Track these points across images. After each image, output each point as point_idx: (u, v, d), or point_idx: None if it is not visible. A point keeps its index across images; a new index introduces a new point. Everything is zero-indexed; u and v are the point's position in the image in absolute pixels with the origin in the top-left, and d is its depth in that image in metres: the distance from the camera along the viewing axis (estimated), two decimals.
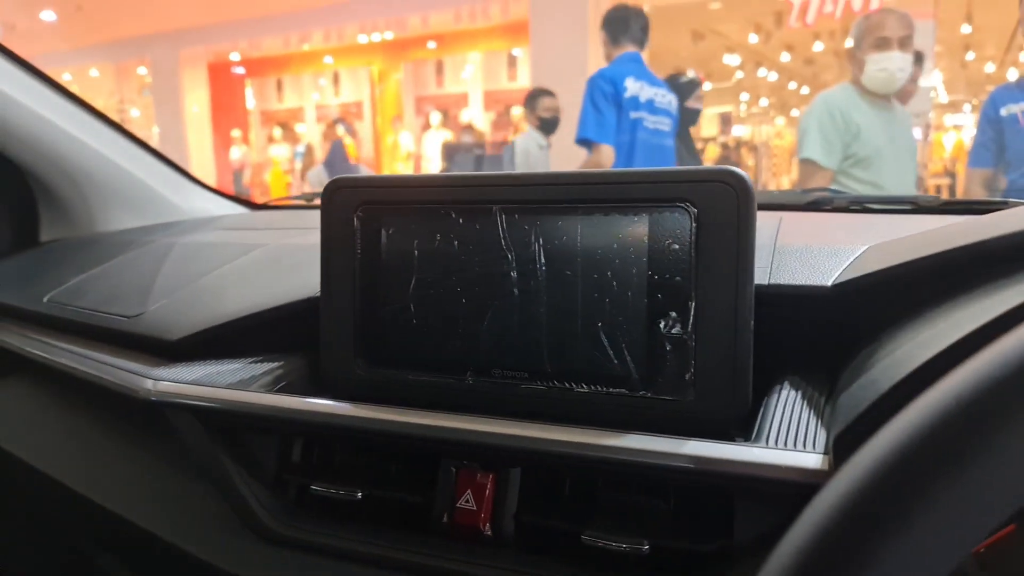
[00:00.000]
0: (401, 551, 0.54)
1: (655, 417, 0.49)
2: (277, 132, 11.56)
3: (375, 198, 0.59)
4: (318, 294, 0.62)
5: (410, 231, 0.57)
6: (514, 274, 0.54)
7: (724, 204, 0.48)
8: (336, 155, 7.99)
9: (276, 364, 0.66)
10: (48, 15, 9.47)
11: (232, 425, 0.63)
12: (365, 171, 4.12)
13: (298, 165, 10.61)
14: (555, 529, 0.52)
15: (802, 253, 0.59)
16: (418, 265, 0.57)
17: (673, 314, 0.50)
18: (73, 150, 1.09)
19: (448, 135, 10.11)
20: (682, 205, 0.49)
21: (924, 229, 0.58)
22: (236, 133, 11.46)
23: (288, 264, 0.82)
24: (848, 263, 0.54)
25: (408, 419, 0.54)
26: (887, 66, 2.17)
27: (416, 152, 10.65)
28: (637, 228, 0.51)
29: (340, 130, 10.69)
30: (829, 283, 0.52)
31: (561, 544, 0.51)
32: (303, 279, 0.71)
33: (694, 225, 0.49)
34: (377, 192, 0.59)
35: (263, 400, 0.60)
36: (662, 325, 0.50)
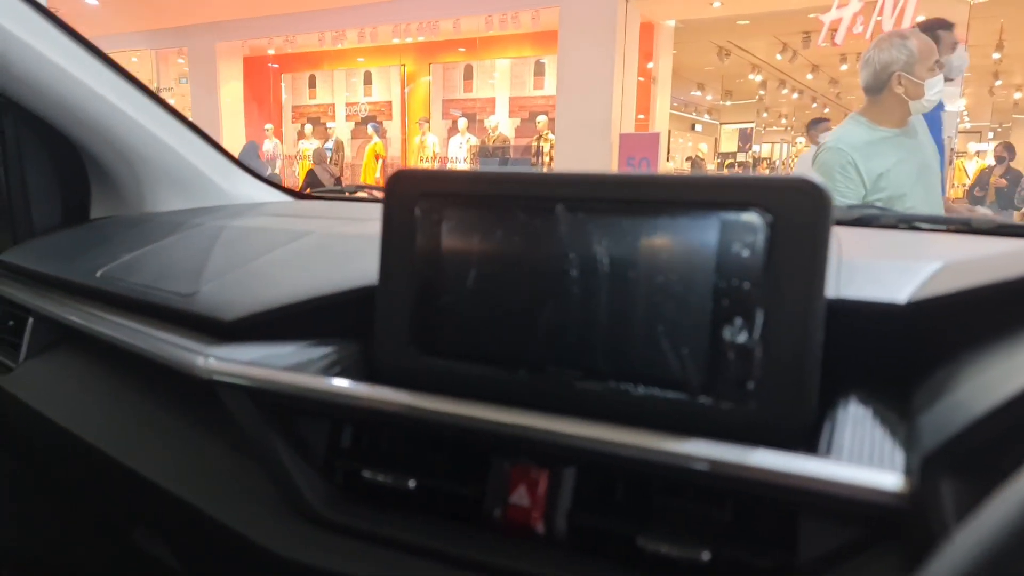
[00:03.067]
0: (451, 544, 0.54)
1: (713, 424, 0.49)
2: (308, 128, 11.67)
3: (436, 189, 0.59)
4: (373, 283, 0.62)
5: (470, 224, 0.57)
6: (574, 271, 0.53)
7: (800, 212, 0.48)
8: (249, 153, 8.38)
9: (330, 349, 0.67)
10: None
11: (285, 407, 0.63)
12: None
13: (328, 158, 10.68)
14: (610, 531, 0.52)
15: (869, 268, 0.58)
16: (477, 258, 0.57)
17: (739, 320, 0.49)
18: (128, 129, 1.10)
19: (474, 139, 10.15)
20: (757, 210, 0.49)
21: (980, 250, 0.57)
22: (269, 127, 11.59)
23: (339, 252, 0.83)
24: (923, 280, 0.53)
25: (465, 411, 0.54)
26: (940, 89, 1.96)
27: (442, 154, 10.70)
28: (707, 231, 0.50)
29: (370, 130, 10.79)
30: (904, 300, 0.52)
31: (615, 547, 0.51)
32: (356, 267, 0.71)
33: (768, 231, 0.49)
34: (439, 184, 0.59)
35: (317, 384, 0.60)
36: (727, 331, 0.49)
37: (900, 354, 0.52)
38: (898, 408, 0.49)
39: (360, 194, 1.39)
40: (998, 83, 13.45)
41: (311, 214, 1.13)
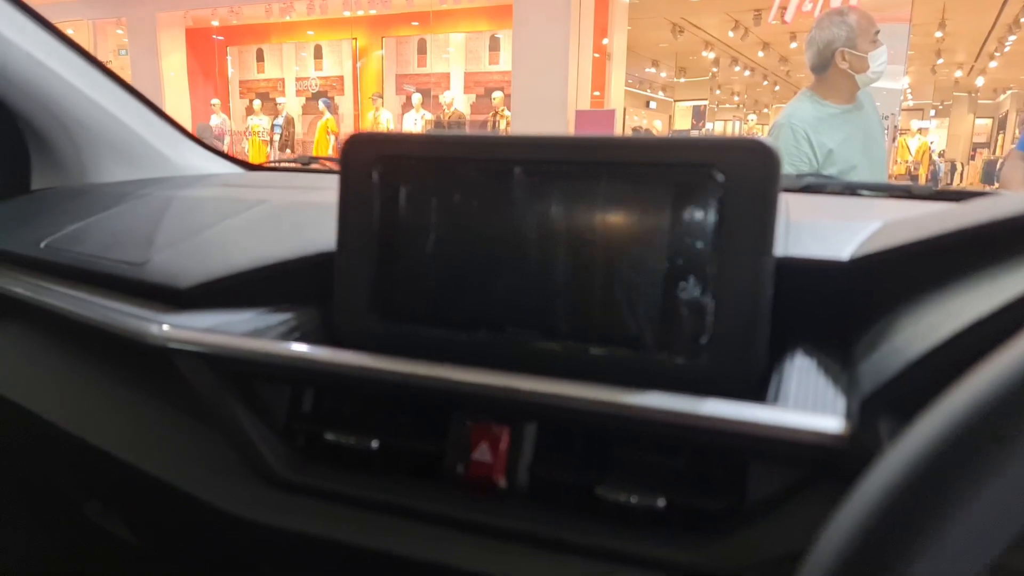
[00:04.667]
0: (415, 499, 0.55)
1: (669, 379, 0.50)
2: (257, 103, 11.37)
3: (394, 152, 0.59)
4: (330, 249, 0.62)
5: (429, 187, 0.58)
6: (532, 233, 0.54)
7: (751, 171, 0.49)
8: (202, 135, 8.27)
9: (288, 315, 0.66)
10: None
11: (244, 373, 0.63)
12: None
13: (277, 136, 10.46)
14: (570, 483, 0.53)
15: (814, 228, 0.61)
16: (435, 221, 0.57)
17: (692, 278, 0.51)
18: (68, 97, 1.06)
19: (429, 115, 10.04)
20: (709, 170, 0.50)
21: (919, 212, 0.60)
22: (215, 102, 11.24)
23: (295, 220, 0.82)
24: (863, 237, 0.56)
25: (425, 371, 0.55)
26: (885, 60, 2.04)
27: (396, 129, 10.57)
28: (661, 192, 0.52)
29: (321, 105, 10.57)
30: (846, 257, 0.54)
31: (576, 498, 0.52)
32: (312, 234, 0.71)
33: (720, 191, 0.50)
34: (397, 147, 0.59)
35: (276, 348, 0.60)
36: (680, 288, 0.51)
37: (843, 308, 0.54)
38: (840, 358, 0.52)
39: (314, 166, 1.37)
40: (940, 61, 13.86)
41: (264, 184, 1.11)
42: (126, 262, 0.78)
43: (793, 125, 2.03)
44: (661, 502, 0.49)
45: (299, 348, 0.60)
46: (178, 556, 0.80)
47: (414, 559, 0.54)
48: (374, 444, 0.58)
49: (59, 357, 0.78)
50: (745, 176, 0.50)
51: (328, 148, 10.02)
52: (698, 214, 0.51)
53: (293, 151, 10.55)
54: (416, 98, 10.21)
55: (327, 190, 0.99)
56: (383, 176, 0.59)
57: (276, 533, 0.59)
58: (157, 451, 0.67)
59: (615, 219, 0.52)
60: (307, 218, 0.81)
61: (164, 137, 1.21)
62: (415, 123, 9.98)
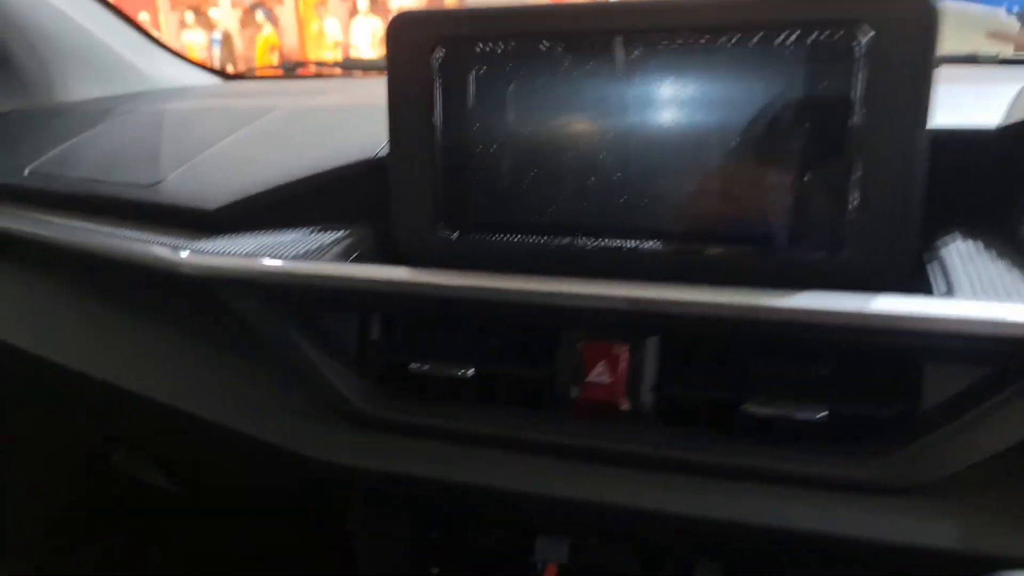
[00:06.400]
0: (521, 429, 0.50)
1: (806, 277, 0.45)
2: (189, 17, 10.62)
3: (457, 32, 0.50)
4: (375, 156, 0.54)
5: (505, 71, 0.49)
6: (637, 118, 0.47)
7: (907, 26, 0.42)
8: None
9: (340, 234, 0.58)
10: None
11: (302, 301, 0.55)
12: None
13: (216, 53, 9.85)
14: (705, 401, 0.48)
15: (949, 96, 0.54)
16: (515, 112, 0.49)
17: (833, 158, 0.44)
18: (27, 6, 0.92)
19: (378, 21, 9.52)
20: (855, 27, 0.43)
21: None
22: (144, 16, 10.47)
23: (316, 126, 0.72)
24: (1008, 105, 0.49)
25: (525, 286, 0.48)
26: None
27: (344, 41, 10.02)
28: (796, 56, 0.44)
29: (260, 17, 9.92)
30: (994, 125, 0.48)
31: (713, 417, 0.47)
32: (345, 140, 0.62)
33: (868, 51, 0.43)
34: (459, 25, 0.50)
35: (342, 271, 0.53)
36: (819, 172, 0.44)
37: (996, 184, 0.48)
38: (1008, 239, 0.46)
39: (302, 71, 1.24)
40: None
41: (258, 93, 0.99)
42: (134, 184, 0.68)
43: None
44: (820, 414, 0.44)
45: (367, 269, 0.52)
46: (227, 503, 0.75)
47: (525, 492, 0.49)
48: (469, 372, 0.52)
49: (66, 299, 0.69)
50: (899, 32, 0.42)
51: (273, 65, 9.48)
52: (841, 81, 0.43)
53: (236, 69, 9.98)
54: (363, 3, 9.64)
55: (333, 92, 0.88)
56: (445, 63, 0.50)
57: (359, 474, 0.53)
58: (207, 394, 0.60)
59: (739, 94, 0.45)
60: (329, 123, 0.72)
61: (134, 47, 1.07)
62: (364, 32, 9.46)
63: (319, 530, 0.64)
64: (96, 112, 0.89)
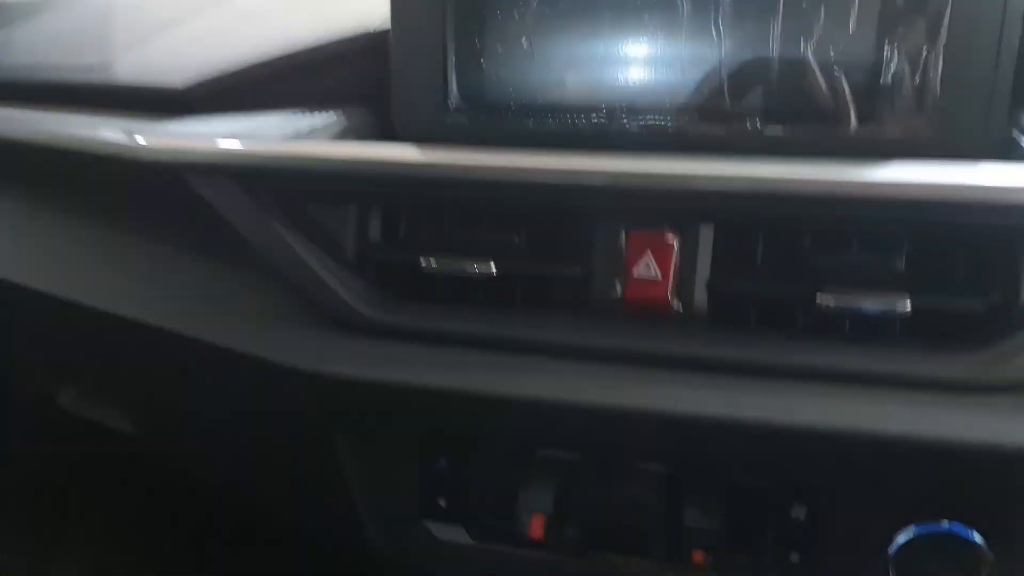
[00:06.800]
0: (559, 331, 0.43)
1: (883, 155, 0.38)
2: None
3: None
4: (368, 28, 0.48)
5: None
6: None
7: None
8: None
9: (332, 117, 0.50)
10: None
11: (292, 190, 0.47)
12: None
13: None
14: (770, 298, 0.41)
15: None
16: None
17: (916, 21, 0.38)
18: None
19: None
20: None
21: None
22: None
23: None
24: None
25: (561, 163, 0.41)
26: None
27: None
28: None
29: None
30: None
31: (778, 317, 0.41)
32: (332, 11, 0.54)
33: None
34: None
35: (339, 151, 0.45)
36: (899, 35, 0.38)
37: None
38: None
39: None
40: None
41: None
42: (85, 67, 0.58)
43: None
44: (901, 308, 0.38)
45: (375, 149, 0.44)
46: (196, 446, 0.67)
47: (559, 402, 0.42)
48: (490, 269, 0.44)
49: (7, 199, 0.59)
50: None
51: None
52: None
53: None
54: None
55: None
56: None
57: (359, 389, 0.46)
58: (171, 302, 0.51)
59: None
60: None
61: None
62: None
63: (302, 460, 0.56)
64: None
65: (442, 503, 0.51)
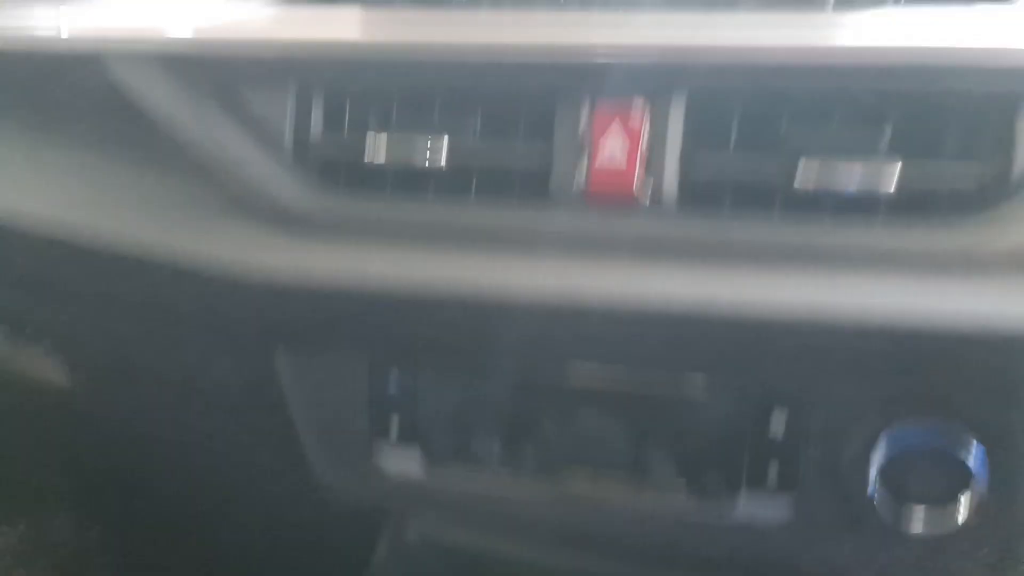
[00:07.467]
0: (517, 218, 0.39)
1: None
2: None
3: None
4: None
5: None
6: None
7: None
8: None
9: None
10: None
11: (219, 74, 0.42)
12: None
13: None
14: (745, 172, 0.37)
15: None
16: None
17: None
18: None
19: None
20: None
21: None
22: None
23: None
24: None
25: (518, 37, 0.37)
26: None
27: None
28: None
29: None
30: None
31: (755, 195, 0.37)
32: None
33: None
34: None
35: (266, 28, 0.40)
36: None
37: None
38: None
39: None
40: None
41: None
42: None
43: None
44: (889, 175, 0.35)
45: (314, 28, 0.40)
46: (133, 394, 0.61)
47: (521, 298, 0.38)
48: (441, 158, 0.40)
49: None
50: None
51: None
52: None
53: None
54: None
55: None
56: None
57: (300, 294, 0.41)
58: (86, 206, 0.46)
59: None
60: None
61: None
62: None
63: (245, 393, 0.51)
64: None
65: (394, 422, 0.46)
